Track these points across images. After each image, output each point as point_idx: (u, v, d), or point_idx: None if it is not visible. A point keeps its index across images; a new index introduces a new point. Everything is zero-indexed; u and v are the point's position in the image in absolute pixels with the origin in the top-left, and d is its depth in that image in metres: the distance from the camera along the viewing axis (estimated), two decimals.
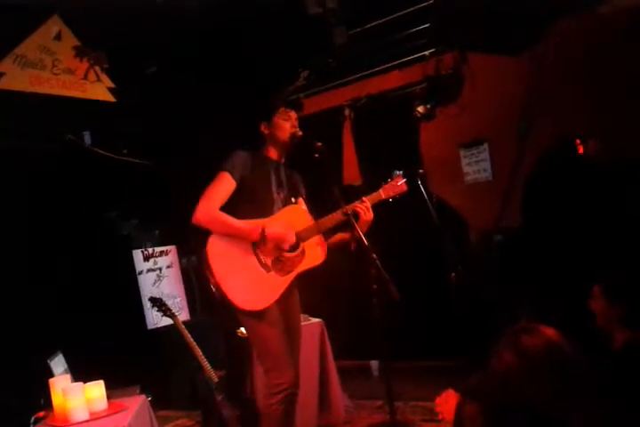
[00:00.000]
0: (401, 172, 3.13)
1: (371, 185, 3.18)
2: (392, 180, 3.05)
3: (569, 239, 4.30)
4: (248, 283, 2.83)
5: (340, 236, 3.05)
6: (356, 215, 2.90)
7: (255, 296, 2.83)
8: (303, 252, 2.93)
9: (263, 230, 2.81)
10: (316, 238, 2.97)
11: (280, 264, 2.90)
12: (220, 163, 2.93)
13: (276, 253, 2.89)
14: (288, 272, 2.91)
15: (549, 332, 1.51)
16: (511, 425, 1.33)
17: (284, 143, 3.01)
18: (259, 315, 2.84)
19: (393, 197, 3.04)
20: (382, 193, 3.02)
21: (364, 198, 2.96)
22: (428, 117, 5.05)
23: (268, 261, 2.89)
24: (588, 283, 2.34)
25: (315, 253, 2.95)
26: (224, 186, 2.88)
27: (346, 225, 2.89)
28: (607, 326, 2.21)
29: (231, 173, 2.88)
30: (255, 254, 2.87)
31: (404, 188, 3.05)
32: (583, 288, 2.37)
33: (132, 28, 4.05)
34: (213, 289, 2.85)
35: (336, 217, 2.89)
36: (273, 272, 2.89)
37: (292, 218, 2.97)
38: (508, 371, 1.35)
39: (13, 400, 3.78)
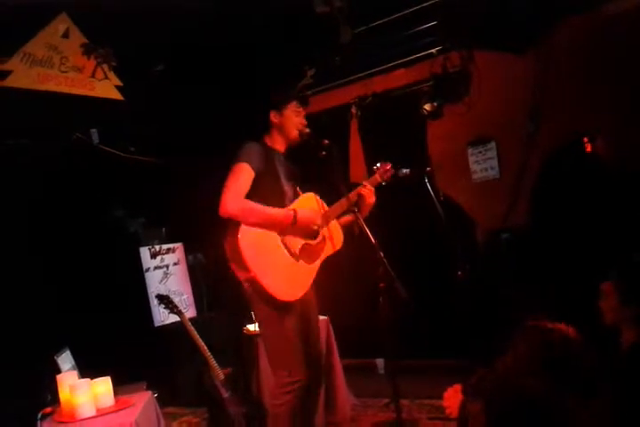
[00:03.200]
0: (408, 170, 3.19)
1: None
2: (381, 165, 3.23)
3: (577, 238, 4.28)
4: (283, 274, 2.83)
5: (346, 218, 3.15)
6: (362, 198, 3.03)
7: (291, 286, 2.85)
8: (324, 238, 3.00)
9: (295, 213, 2.83)
10: (333, 224, 3.07)
11: (306, 252, 2.93)
12: (235, 154, 2.89)
13: (301, 242, 2.92)
14: (314, 260, 2.96)
15: (567, 330, 1.50)
16: (516, 423, 1.32)
17: (290, 137, 3.03)
18: (285, 308, 2.83)
19: (385, 181, 3.22)
20: (378, 176, 3.19)
21: (364, 183, 3.09)
22: (435, 115, 5.03)
23: (296, 251, 2.90)
24: (596, 281, 2.32)
25: (334, 239, 3.05)
26: (245, 176, 2.82)
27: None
28: (617, 325, 2.19)
29: (250, 164, 2.84)
30: (283, 244, 2.87)
31: (392, 171, 3.24)
32: (591, 287, 2.36)
33: (139, 26, 4.05)
34: (246, 284, 2.80)
35: (344, 204, 2.98)
36: (302, 261, 2.92)
37: (311, 204, 3.03)
38: (520, 366, 1.35)
39: (20, 396, 3.79)
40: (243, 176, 2.81)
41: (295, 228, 2.85)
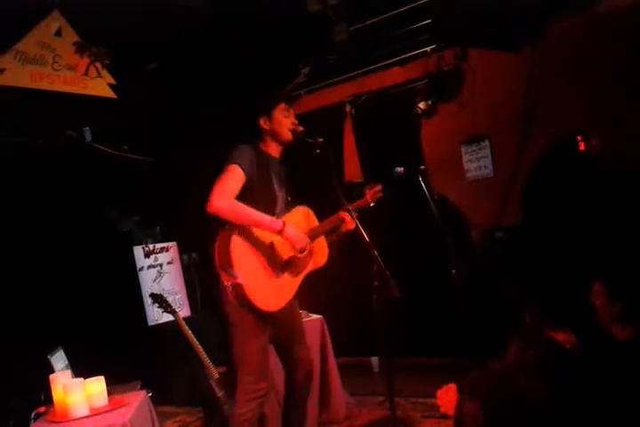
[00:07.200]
0: (402, 168, 3.17)
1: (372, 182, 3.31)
2: (371, 186, 3.25)
3: (571, 236, 4.29)
4: (267, 285, 2.80)
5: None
6: (343, 223, 3.03)
7: (273, 298, 2.82)
8: (311, 252, 2.98)
9: (284, 226, 2.77)
10: (320, 239, 3.07)
11: (292, 265, 2.92)
12: (227, 156, 2.85)
13: (289, 254, 2.90)
14: (298, 273, 2.95)
15: (562, 336, 1.50)
16: (513, 423, 1.32)
17: (283, 139, 2.98)
18: (263, 317, 2.79)
19: (373, 202, 3.23)
20: (368, 198, 3.21)
21: (349, 207, 2.97)
22: (429, 114, 5.03)
23: (283, 260, 2.89)
24: (590, 279, 2.33)
25: (320, 254, 3.05)
26: (236, 178, 2.78)
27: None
28: (607, 323, 2.20)
29: (242, 167, 2.80)
30: (275, 255, 2.84)
31: (381, 193, 3.25)
32: (585, 285, 2.37)
33: (132, 24, 4.03)
34: (230, 288, 2.74)
35: (332, 221, 3.03)
36: (286, 273, 2.90)
37: (299, 219, 3.01)
38: (518, 367, 1.35)
39: (14, 396, 3.78)
40: (233, 177, 2.78)
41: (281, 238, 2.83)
